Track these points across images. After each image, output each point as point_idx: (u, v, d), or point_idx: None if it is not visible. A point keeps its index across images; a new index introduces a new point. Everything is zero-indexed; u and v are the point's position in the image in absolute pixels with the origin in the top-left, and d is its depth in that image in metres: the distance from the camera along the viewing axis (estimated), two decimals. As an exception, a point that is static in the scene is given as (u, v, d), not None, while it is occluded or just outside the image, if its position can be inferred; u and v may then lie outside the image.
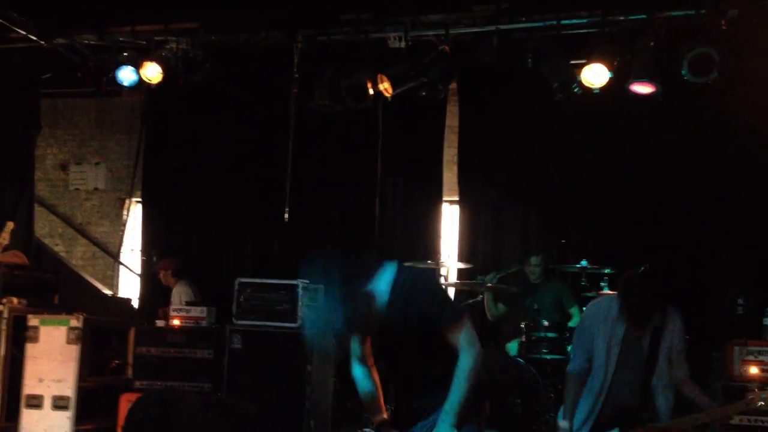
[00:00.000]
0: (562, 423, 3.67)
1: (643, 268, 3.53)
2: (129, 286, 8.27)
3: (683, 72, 5.43)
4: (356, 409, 5.57)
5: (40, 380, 5.84)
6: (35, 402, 5.83)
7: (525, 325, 5.66)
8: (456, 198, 7.10)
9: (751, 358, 4.46)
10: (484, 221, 6.84)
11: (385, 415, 3.04)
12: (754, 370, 4.45)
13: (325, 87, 6.40)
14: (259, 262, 6.95)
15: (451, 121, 7.11)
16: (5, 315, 5.80)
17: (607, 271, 5.65)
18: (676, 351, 3.62)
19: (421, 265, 5.59)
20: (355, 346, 3.12)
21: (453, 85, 6.69)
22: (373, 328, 2.99)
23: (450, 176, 7.10)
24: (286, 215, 6.58)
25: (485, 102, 6.88)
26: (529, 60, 5.94)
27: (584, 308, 3.78)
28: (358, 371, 3.14)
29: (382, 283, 2.89)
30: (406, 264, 3.22)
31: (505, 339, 6.15)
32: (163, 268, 6.91)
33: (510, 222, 6.80)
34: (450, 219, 7.43)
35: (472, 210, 6.92)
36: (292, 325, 5.25)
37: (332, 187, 7.03)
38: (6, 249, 6.25)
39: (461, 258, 6.62)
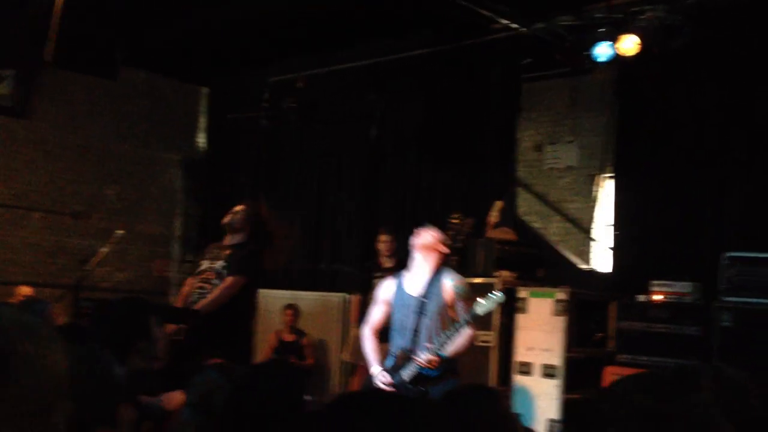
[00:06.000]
0: None
1: None
2: (602, 261, 8.70)
3: None
4: None
5: (530, 349, 6.56)
6: (526, 369, 6.58)
7: None
8: None
9: None
10: None
11: None
12: None
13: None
14: (740, 234, 6.80)
15: None
16: (498, 287, 6.66)
17: None
18: None
19: None
20: None
21: None
22: None
23: None
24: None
25: None
26: None
27: None
28: None
29: None
30: None
31: None
32: None
33: None
34: None
35: None
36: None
37: None
38: (496, 226, 7.15)
39: None
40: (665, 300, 5.97)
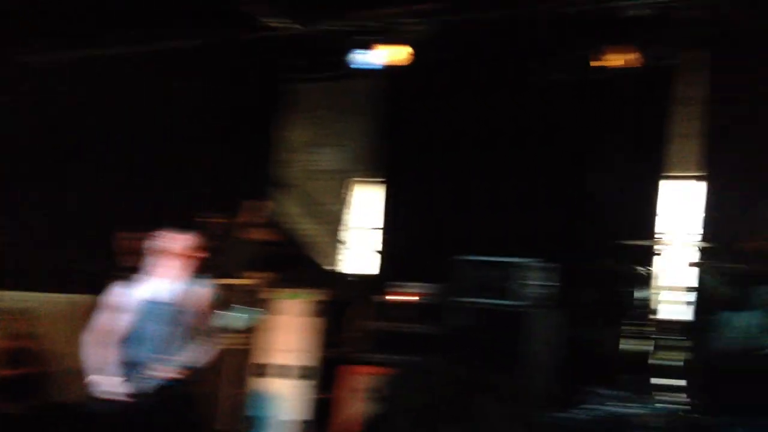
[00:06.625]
0: None
1: None
2: (356, 263, 8.96)
3: None
4: (584, 388, 5.70)
5: (281, 350, 6.66)
6: (277, 371, 6.68)
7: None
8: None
9: None
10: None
11: None
12: None
13: (557, 59, 6.64)
14: (482, 239, 7.30)
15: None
16: (252, 288, 6.70)
17: None
18: None
19: None
20: None
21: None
22: None
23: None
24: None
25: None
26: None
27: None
28: None
29: None
30: None
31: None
32: None
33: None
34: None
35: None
36: (512, 303, 5.58)
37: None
38: (254, 227, 7.19)
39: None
40: (408, 301, 6.30)
